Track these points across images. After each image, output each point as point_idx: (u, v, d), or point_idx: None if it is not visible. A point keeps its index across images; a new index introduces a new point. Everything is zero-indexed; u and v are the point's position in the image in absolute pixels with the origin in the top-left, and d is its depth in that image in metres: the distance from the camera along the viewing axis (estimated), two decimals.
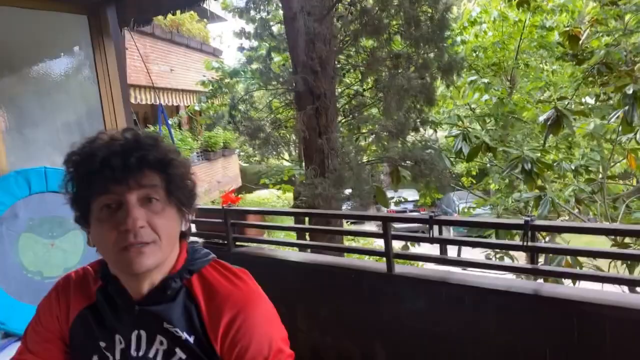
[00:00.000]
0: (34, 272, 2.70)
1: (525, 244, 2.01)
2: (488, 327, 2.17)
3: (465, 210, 7.15)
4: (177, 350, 0.84)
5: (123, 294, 0.86)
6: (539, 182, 4.24)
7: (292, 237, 6.50)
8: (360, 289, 2.59)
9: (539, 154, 4.21)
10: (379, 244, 4.58)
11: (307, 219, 6.52)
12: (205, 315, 0.83)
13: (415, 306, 2.39)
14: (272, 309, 0.86)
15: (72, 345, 0.91)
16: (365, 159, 5.31)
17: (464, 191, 8.87)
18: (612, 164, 5.54)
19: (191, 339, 0.83)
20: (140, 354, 0.86)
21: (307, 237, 5.02)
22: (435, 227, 2.26)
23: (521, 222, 2.06)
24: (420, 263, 3.34)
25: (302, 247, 4.41)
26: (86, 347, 0.89)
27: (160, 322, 0.84)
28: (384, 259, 2.50)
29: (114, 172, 0.74)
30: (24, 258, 2.68)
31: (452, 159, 5.60)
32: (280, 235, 6.36)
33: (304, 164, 7.61)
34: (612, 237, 3.63)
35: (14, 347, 2.50)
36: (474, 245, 2.23)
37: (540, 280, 2.59)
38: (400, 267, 2.52)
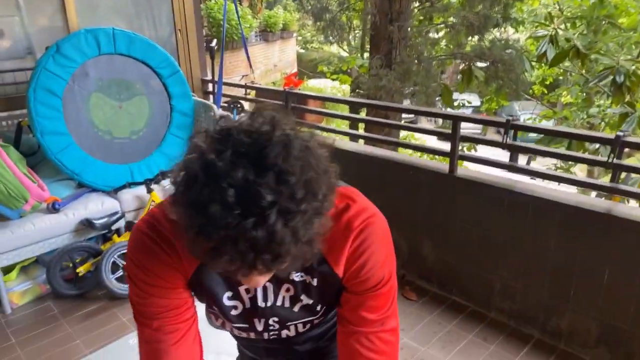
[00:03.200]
0: (104, 130, 2.81)
1: (611, 160, 1.84)
2: (548, 241, 2.10)
3: (529, 122, 6.71)
4: (303, 297, 0.85)
5: None
6: (627, 98, 3.84)
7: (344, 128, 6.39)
8: (417, 187, 2.55)
9: (634, 67, 3.76)
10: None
11: (362, 112, 6.36)
12: (326, 250, 0.76)
13: (473, 210, 2.34)
14: (388, 229, 0.83)
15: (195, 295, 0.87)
16: (435, 52, 4.93)
17: (527, 102, 8.24)
18: None
19: (313, 282, 0.83)
20: (269, 304, 0.86)
21: (362, 130, 4.89)
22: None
23: (611, 136, 1.88)
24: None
25: (360, 140, 4.35)
26: (208, 299, 0.86)
27: (288, 272, 0.82)
28: (447, 159, 2.41)
29: (236, 272, 0.61)
30: (94, 117, 2.78)
31: (533, 63, 5.11)
32: (333, 126, 6.28)
33: (367, 54, 7.23)
34: None
35: (87, 197, 2.70)
36: (550, 155, 2.08)
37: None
38: (462, 170, 2.44)
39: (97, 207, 2.65)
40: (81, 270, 2.53)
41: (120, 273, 2.57)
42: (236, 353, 1.20)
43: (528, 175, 2.24)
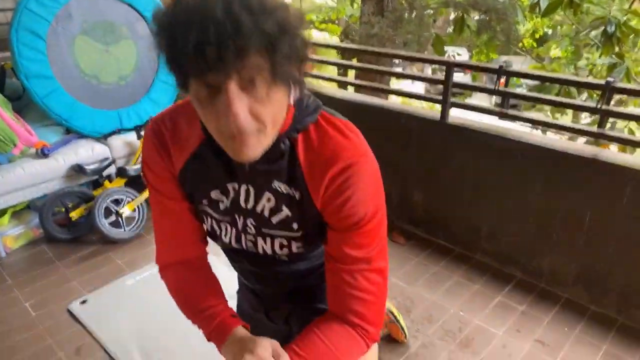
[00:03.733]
0: (90, 75, 2.75)
1: (600, 106, 1.88)
2: (534, 186, 2.17)
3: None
4: (284, 207, 0.85)
5: None
6: (617, 49, 3.84)
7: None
8: (408, 134, 2.58)
9: (626, 17, 3.74)
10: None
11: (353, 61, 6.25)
12: (307, 171, 0.80)
13: (462, 157, 2.39)
14: (378, 170, 0.83)
15: (183, 191, 0.91)
16: (427, 1, 4.83)
17: (516, 57, 8.19)
18: None
19: (297, 196, 0.83)
20: (249, 206, 0.87)
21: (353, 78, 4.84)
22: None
23: (601, 82, 1.90)
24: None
25: (353, 88, 4.31)
26: (198, 194, 0.90)
27: (270, 180, 0.83)
28: (439, 106, 2.43)
29: (207, 63, 0.60)
30: (80, 61, 2.71)
31: (525, 13, 5.04)
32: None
33: (357, 4, 7.04)
34: None
35: (76, 143, 2.68)
36: (539, 101, 2.10)
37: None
38: (453, 117, 2.46)
39: (87, 153, 2.63)
40: (74, 215, 2.55)
41: (113, 218, 2.59)
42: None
43: (518, 121, 2.27)
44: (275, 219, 0.87)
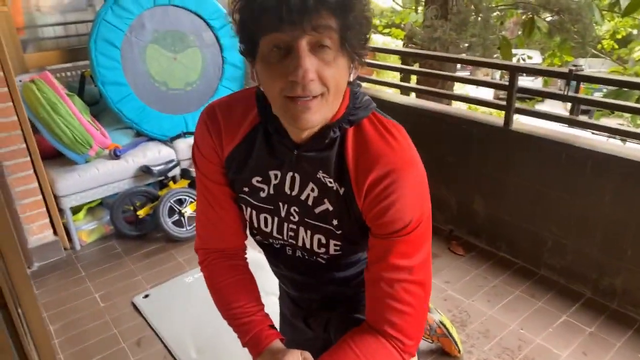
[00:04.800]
0: (160, 82, 2.91)
1: None
2: (603, 197, 2.01)
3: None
4: (325, 200, 0.85)
5: (285, 135, 0.82)
6: None
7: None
8: (469, 141, 2.49)
9: None
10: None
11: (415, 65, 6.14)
12: (353, 169, 0.80)
13: (527, 165, 2.26)
14: (424, 177, 0.81)
15: (227, 177, 0.93)
16: (495, 3, 4.64)
17: (595, 59, 7.64)
18: None
19: (341, 191, 0.83)
20: (294, 193, 0.87)
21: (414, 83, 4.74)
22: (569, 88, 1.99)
23: None
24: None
25: (409, 93, 4.24)
26: (240, 180, 0.91)
27: (316, 169, 0.83)
28: (503, 112, 2.32)
29: (290, 11, 0.63)
30: (151, 68, 2.87)
31: (603, 13, 4.71)
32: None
33: (421, 6, 6.92)
34: None
35: (145, 145, 2.84)
36: (616, 108, 1.95)
37: None
38: (519, 124, 2.35)
39: (154, 154, 2.78)
40: (141, 213, 2.70)
41: (176, 217, 2.72)
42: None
43: (589, 129, 2.12)
44: (317, 209, 0.87)
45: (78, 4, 3.16)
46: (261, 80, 0.75)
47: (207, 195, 0.95)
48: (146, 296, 2.25)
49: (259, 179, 0.89)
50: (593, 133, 2.13)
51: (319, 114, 0.72)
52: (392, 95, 3.21)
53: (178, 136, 2.93)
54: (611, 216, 2.01)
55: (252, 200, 0.92)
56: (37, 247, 2.50)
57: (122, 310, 2.18)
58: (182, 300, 2.21)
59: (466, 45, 4.13)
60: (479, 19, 3.98)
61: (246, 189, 0.91)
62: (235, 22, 0.72)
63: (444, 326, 1.82)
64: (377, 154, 0.78)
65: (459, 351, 1.84)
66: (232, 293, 0.97)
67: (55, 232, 2.58)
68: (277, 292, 1.25)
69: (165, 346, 1.96)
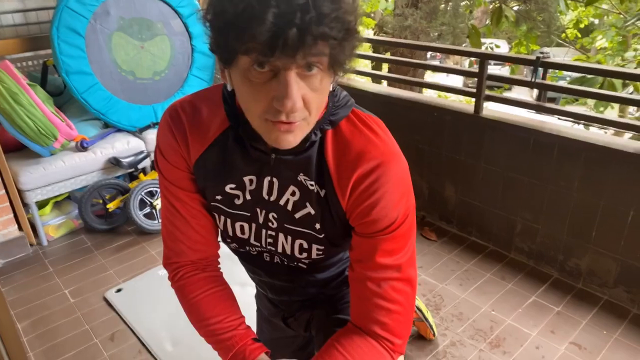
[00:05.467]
0: (127, 71, 2.83)
1: None
2: (572, 182, 2.08)
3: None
4: (307, 204, 0.81)
5: (259, 140, 0.75)
6: None
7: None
8: (441, 128, 2.52)
9: None
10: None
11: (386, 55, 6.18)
12: (334, 169, 0.77)
13: (497, 151, 2.31)
14: (407, 170, 0.78)
15: (197, 183, 0.86)
16: None
17: (558, 48, 7.84)
18: None
19: (322, 193, 0.79)
20: (272, 198, 0.83)
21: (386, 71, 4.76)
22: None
23: None
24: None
25: (381, 81, 4.25)
26: (211, 188, 0.85)
27: (297, 172, 0.79)
28: (473, 100, 2.36)
29: (285, 45, 0.57)
30: (117, 57, 2.79)
31: (568, 2, 4.83)
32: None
33: None
34: None
35: (113, 136, 2.77)
36: (581, 94, 2.01)
37: None
38: (488, 111, 2.39)
39: (123, 146, 2.71)
40: (111, 206, 2.63)
41: (147, 210, 2.67)
42: None
43: (556, 115, 2.18)
44: (298, 215, 0.83)
45: None
46: (239, 94, 0.69)
47: (175, 203, 0.87)
48: (118, 290, 2.21)
49: (233, 185, 0.84)
50: (559, 119, 2.18)
51: (300, 135, 0.69)
52: (363, 84, 3.21)
53: (147, 127, 2.86)
54: (579, 201, 2.08)
55: (226, 209, 0.87)
56: (1, 243, 2.41)
57: (94, 306, 2.13)
58: (155, 293, 2.18)
59: (436, 34, 4.18)
60: (449, 7, 4.02)
61: (219, 197, 0.86)
62: (210, 25, 0.64)
63: (420, 311, 1.85)
64: (360, 150, 0.75)
65: (434, 334, 1.88)
66: (209, 307, 0.91)
67: (20, 228, 2.49)
68: (253, 283, 1.24)
69: (140, 340, 1.92)
